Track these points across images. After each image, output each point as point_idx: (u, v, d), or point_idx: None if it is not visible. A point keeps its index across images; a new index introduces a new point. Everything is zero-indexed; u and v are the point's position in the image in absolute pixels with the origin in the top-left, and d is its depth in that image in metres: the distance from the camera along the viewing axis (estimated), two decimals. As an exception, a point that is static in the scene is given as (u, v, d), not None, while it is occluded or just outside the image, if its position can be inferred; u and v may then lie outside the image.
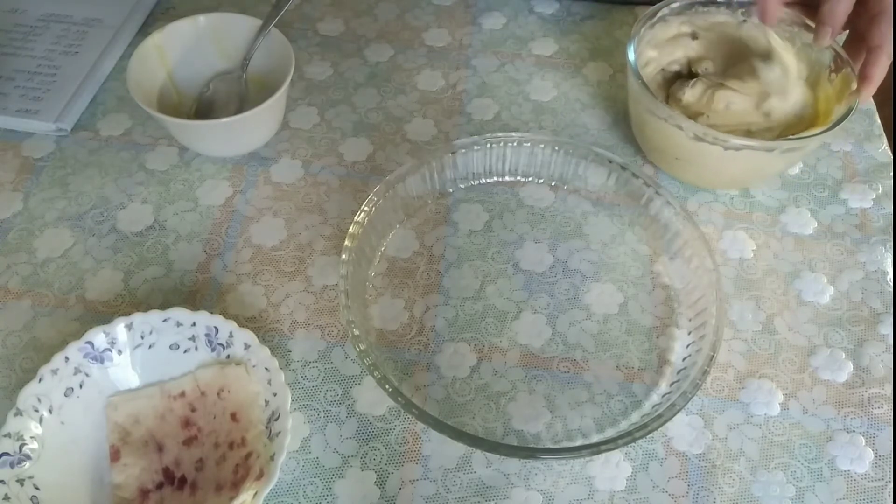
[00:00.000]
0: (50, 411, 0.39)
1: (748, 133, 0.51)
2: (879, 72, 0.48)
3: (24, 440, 0.37)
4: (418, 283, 0.48)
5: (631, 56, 0.50)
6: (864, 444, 0.43)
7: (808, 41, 0.52)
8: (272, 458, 0.37)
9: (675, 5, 0.54)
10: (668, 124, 0.49)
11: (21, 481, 0.36)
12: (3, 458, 0.37)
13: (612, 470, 0.42)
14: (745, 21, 0.54)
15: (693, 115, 0.51)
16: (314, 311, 0.47)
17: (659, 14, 0.54)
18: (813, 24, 0.50)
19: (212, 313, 0.42)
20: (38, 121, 0.54)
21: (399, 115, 0.58)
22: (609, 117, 0.58)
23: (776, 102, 0.51)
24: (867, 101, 0.57)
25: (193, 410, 0.42)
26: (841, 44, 0.51)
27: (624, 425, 0.43)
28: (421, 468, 0.41)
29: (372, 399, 0.43)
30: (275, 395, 0.40)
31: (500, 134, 0.51)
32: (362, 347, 0.41)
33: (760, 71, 0.51)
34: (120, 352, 0.42)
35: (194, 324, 0.42)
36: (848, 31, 0.52)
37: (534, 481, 0.41)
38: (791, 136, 0.48)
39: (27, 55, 0.59)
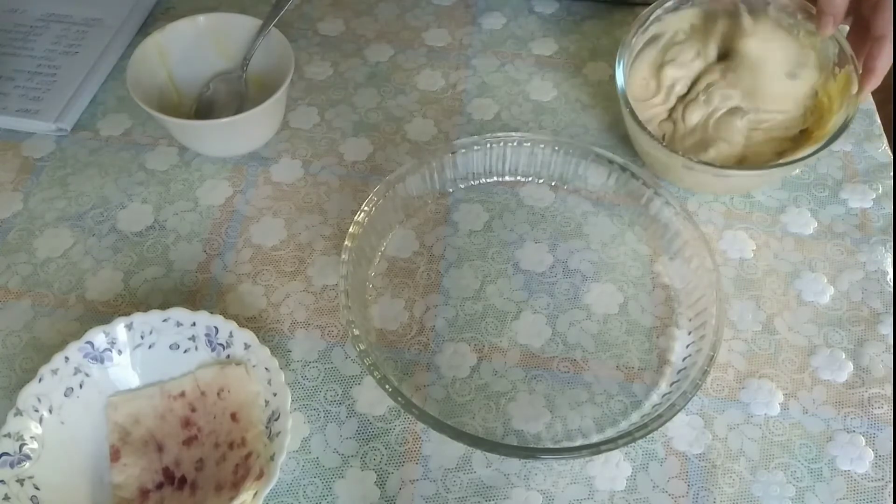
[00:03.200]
0: (50, 411, 0.39)
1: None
2: (884, 63, 0.47)
3: (24, 440, 0.37)
4: (418, 283, 0.48)
5: (619, 80, 0.50)
6: (864, 444, 0.43)
7: (812, 29, 0.50)
8: (272, 458, 0.37)
9: (668, 4, 0.53)
10: (658, 151, 0.49)
11: (21, 481, 0.37)
12: (3, 458, 0.37)
13: (612, 470, 0.42)
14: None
15: (701, 143, 0.51)
16: (314, 311, 0.47)
17: (654, 15, 0.52)
18: (815, 12, 0.49)
19: (212, 313, 0.42)
20: (38, 121, 0.54)
21: (399, 115, 0.58)
22: (609, 117, 0.58)
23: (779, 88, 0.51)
24: (868, 97, 0.56)
25: (193, 410, 0.42)
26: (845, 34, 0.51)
27: (624, 425, 0.43)
28: (421, 468, 0.41)
29: (372, 399, 0.43)
30: (275, 395, 0.40)
31: (500, 134, 0.51)
32: (362, 347, 0.41)
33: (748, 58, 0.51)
34: (120, 352, 0.42)
35: (194, 324, 0.42)
36: (852, 19, 0.50)
37: (534, 481, 0.41)
38: (781, 162, 0.48)
39: (27, 55, 0.59)
